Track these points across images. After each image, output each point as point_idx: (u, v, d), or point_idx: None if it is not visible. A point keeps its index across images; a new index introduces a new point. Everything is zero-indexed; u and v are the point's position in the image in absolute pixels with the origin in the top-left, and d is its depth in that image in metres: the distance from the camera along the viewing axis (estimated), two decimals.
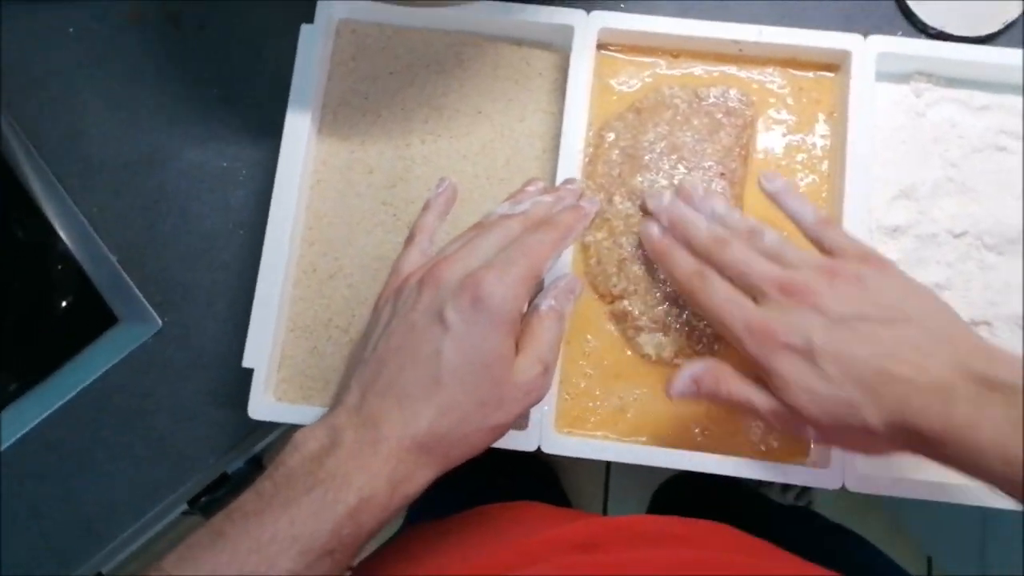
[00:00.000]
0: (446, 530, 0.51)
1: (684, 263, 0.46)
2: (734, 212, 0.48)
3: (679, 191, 0.49)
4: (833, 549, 0.66)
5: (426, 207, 0.49)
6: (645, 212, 0.50)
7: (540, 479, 0.89)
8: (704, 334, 0.50)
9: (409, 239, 0.47)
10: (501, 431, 0.41)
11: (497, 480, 0.74)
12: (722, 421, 0.51)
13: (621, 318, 0.51)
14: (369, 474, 0.37)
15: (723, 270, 0.45)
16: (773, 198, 0.48)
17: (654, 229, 0.48)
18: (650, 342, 0.50)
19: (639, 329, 0.51)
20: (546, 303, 0.44)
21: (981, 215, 0.53)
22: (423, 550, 0.49)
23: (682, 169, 0.52)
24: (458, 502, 0.55)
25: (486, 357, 0.39)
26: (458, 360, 0.39)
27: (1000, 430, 0.36)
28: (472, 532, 0.50)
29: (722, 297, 0.44)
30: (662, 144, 0.52)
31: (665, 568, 0.41)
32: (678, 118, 0.53)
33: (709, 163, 0.52)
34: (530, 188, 0.48)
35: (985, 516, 1.06)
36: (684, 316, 0.50)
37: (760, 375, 0.44)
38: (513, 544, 0.46)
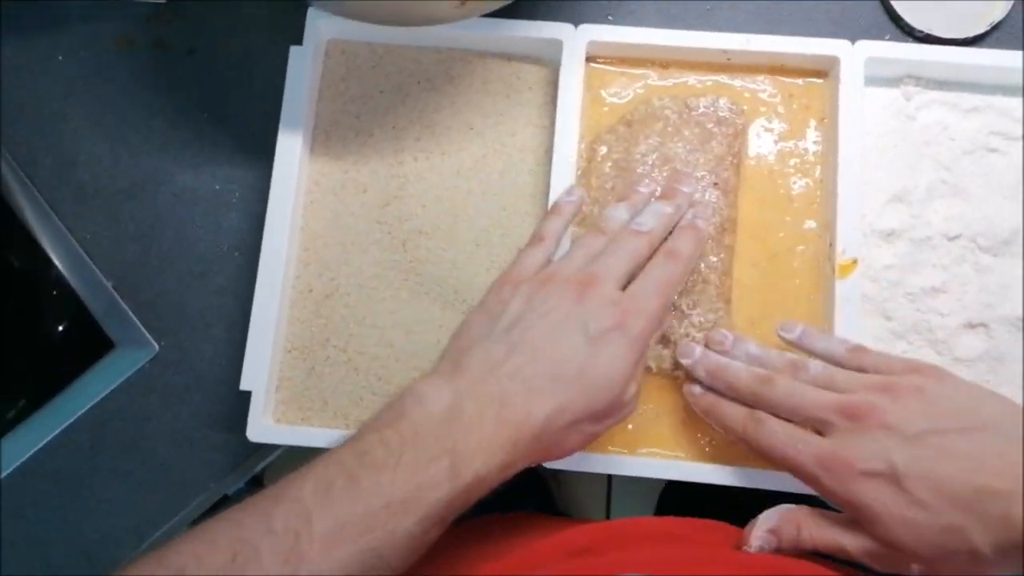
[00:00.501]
0: (445, 543, 0.51)
1: (734, 413, 0.46)
2: (770, 351, 0.47)
3: (708, 342, 0.48)
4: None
5: (554, 211, 0.49)
6: (678, 368, 0.50)
7: (532, 491, 0.89)
8: (715, 329, 0.50)
9: (535, 240, 0.48)
10: (592, 440, 0.43)
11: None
12: (717, 433, 0.51)
13: None
14: (488, 455, 0.38)
15: (776, 410, 0.44)
16: (797, 345, 0.47)
17: (696, 388, 0.48)
18: (650, 355, 0.50)
19: None
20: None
21: (974, 217, 0.53)
22: (422, 563, 0.49)
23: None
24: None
25: (614, 374, 0.42)
26: (591, 370, 0.41)
27: None
28: (471, 544, 0.50)
29: (783, 437, 0.43)
30: (654, 156, 0.52)
31: (658, 566, 0.42)
32: (669, 129, 0.53)
33: (701, 173, 0.52)
34: (643, 190, 0.49)
35: None
36: (682, 328, 0.50)
37: (847, 513, 0.42)
38: (512, 554, 0.46)
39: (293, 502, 0.36)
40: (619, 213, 0.48)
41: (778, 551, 0.43)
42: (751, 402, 0.45)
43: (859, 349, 0.45)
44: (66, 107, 0.58)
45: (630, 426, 0.51)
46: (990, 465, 0.38)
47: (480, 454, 0.38)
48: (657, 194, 0.50)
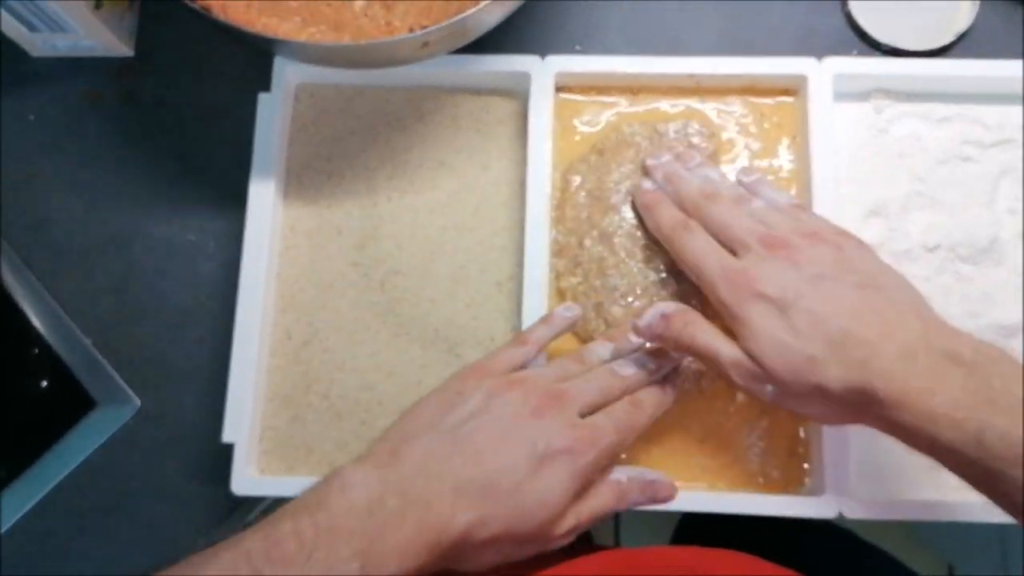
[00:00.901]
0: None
1: (671, 214, 0.48)
2: (726, 179, 0.51)
3: (678, 156, 0.51)
4: (861, 568, 0.65)
5: (546, 320, 0.48)
6: (644, 172, 0.52)
7: None
8: (691, 370, 0.50)
9: (517, 341, 0.47)
10: (507, 561, 0.42)
11: None
12: (720, 452, 0.50)
13: None
14: (403, 560, 0.37)
15: (708, 225, 0.47)
16: (749, 189, 0.50)
17: (647, 183, 0.51)
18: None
19: None
20: (616, 476, 0.45)
21: (952, 227, 0.52)
22: None
23: None
24: None
25: (549, 500, 0.41)
26: (528, 490, 0.40)
27: (954, 398, 0.37)
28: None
29: (702, 247, 0.46)
30: (627, 183, 0.52)
31: None
32: (641, 156, 0.52)
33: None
34: (633, 339, 0.48)
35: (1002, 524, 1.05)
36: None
37: (728, 325, 0.44)
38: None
39: None
40: (603, 351, 0.48)
41: (659, 338, 0.46)
42: (690, 212, 0.48)
43: (800, 207, 0.48)
44: (38, 165, 0.58)
45: (623, 455, 0.50)
46: (869, 319, 0.40)
47: (395, 558, 0.37)
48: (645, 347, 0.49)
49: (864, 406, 0.39)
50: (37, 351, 0.57)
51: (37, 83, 0.59)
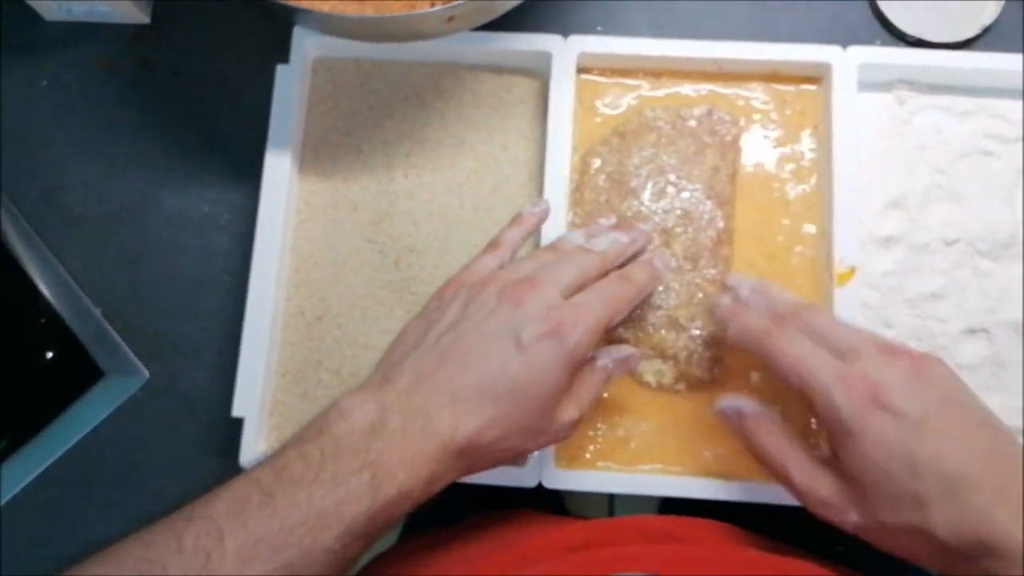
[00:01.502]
0: (446, 538, 0.51)
1: (759, 320, 0.44)
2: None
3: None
4: (843, 541, 0.66)
5: (516, 221, 0.48)
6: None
7: (543, 493, 0.89)
8: (703, 357, 0.50)
9: (490, 247, 0.47)
10: (521, 458, 0.43)
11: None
12: (731, 440, 0.50)
13: None
14: (412, 469, 0.37)
15: (810, 330, 0.42)
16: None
17: (726, 298, 0.47)
18: (649, 369, 0.50)
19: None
20: (602, 361, 0.44)
21: (972, 221, 0.52)
22: (424, 557, 0.49)
23: (670, 192, 0.51)
24: (455, 509, 0.55)
25: (546, 387, 0.40)
26: (521, 382, 0.39)
27: None
28: (471, 540, 0.50)
29: (808, 350, 0.41)
30: (648, 168, 0.51)
31: (657, 563, 0.41)
32: (662, 140, 0.52)
33: (696, 185, 0.51)
34: (603, 221, 0.48)
35: None
36: (681, 341, 0.49)
37: (831, 440, 0.40)
38: (508, 550, 0.46)
39: (205, 520, 0.35)
40: (575, 236, 0.47)
41: (731, 425, 0.44)
42: (787, 319, 0.43)
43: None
44: (51, 133, 0.57)
45: (632, 444, 0.50)
46: (987, 459, 0.37)
47: (403, 468, 0.37)
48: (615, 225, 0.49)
49: (974, 557, 0.36)
50: (44, 320, 0.56)
51: (50, 48, 0.58)
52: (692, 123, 0.53)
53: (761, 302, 0.46)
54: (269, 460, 0.37)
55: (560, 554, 0.45)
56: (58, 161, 0.57)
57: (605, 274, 0.45)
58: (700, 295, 0.50)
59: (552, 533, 0.47)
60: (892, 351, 0.40)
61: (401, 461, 0.37)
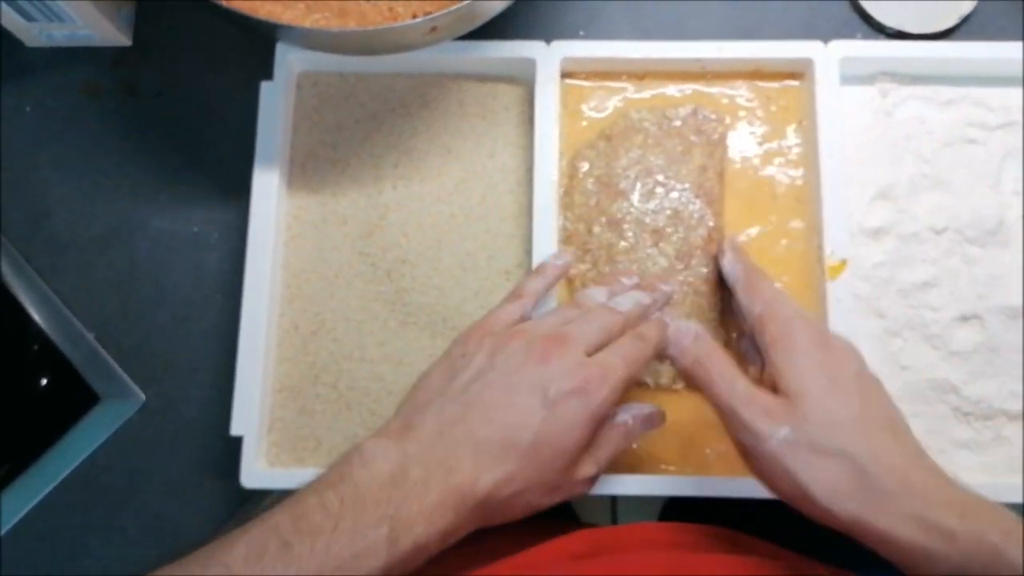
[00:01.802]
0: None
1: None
2: None
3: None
4: (836, 542, 0.66)
5: (539, 271, 0.48)
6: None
7: None
8: None
9: (513, 296, 0.47)
10: (535, 512, 0.42)
11: None
12: (716, 445, 0.50)
13: None
14: (430, 522, 0.37)
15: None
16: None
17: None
18: (646, 369, 0.50)
19: None
20: (622, 417, 0.44)
21: (959, 209, 0.52)
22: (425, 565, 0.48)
23: (659, 193, 0.51)
24: None
25: (568, 444, 0.40)
26: (544, 437, 0.40)
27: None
28: (472, 544, 0.49)
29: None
30: (636, 169, 0.52)
31: (659, 571, 0.41)
32: (649, 142, 0.52)
33: (685, 184, 0.51)
34: (625, 281, 0.48)
35: None
36: None
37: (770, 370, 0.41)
38: (513, 556, 0.46)
39: (221, 567, 0.35)
40: (598, 294, 0.47)
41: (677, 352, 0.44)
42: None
43: None
44: (35, 158, 0.57)
45: (635, 445, 0.50)
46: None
47: (421, 521, 0.37)
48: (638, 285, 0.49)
49: (861, 536, 0.38)
50: (37, 347, 0.56)
51: (34, 74, 0.58)
52: (678, 123, 0.53)
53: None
54: (288, 505, 0.37)
55: (565, 561, 0.45)
56: (44, 186, 0.57)
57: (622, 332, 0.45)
58: (692, 294, 0.50)
59: (557, 540, 0.47)
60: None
61: (420, 514, 0.37)
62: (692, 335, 0.44)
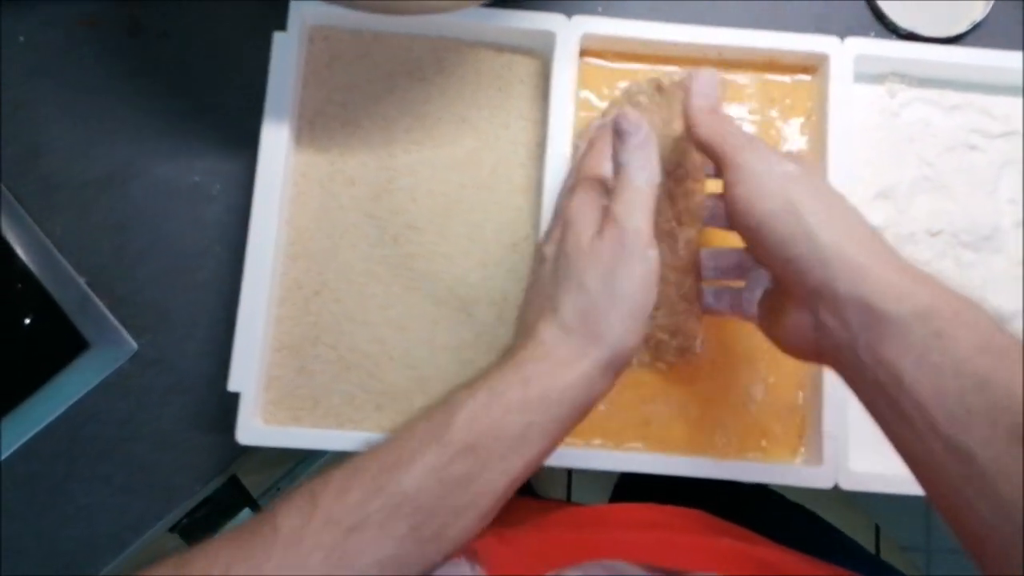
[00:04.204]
0: None
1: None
2: None
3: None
4: (796, 530, 0.68)
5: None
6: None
7: None
8: (670, 346, 0.50)
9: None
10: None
11: None
12: (704, 423, 0.52)
13: None
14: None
15: None
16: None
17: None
18: None
19: None
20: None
21: (956, 213, 0.54)
22: None
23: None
24: None
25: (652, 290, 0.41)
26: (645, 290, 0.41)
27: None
28: None
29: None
30: None
31: (642, 552, 0.42)
32: (646, 116, 0.50)
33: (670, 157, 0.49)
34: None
35: None
36: (658, 319, 0.49)
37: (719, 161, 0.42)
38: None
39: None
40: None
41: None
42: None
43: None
44: (29, 92, 0.55)
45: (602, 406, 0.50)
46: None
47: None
48: None
49: (829, 315, 0.38)
50: (21, 285, 0.54)
51: (29, 2, 0.56)
52: (667, 88, 0.50)
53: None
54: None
55: (555, 527, 0.46)
56: (35, 123, 0.55)
57: None
58: (662, 283, 0.47)
59: (542, 515, 0.48)
60: None
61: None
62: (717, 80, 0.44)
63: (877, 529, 1.30)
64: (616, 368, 0.40)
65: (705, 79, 0.44)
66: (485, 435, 0.37)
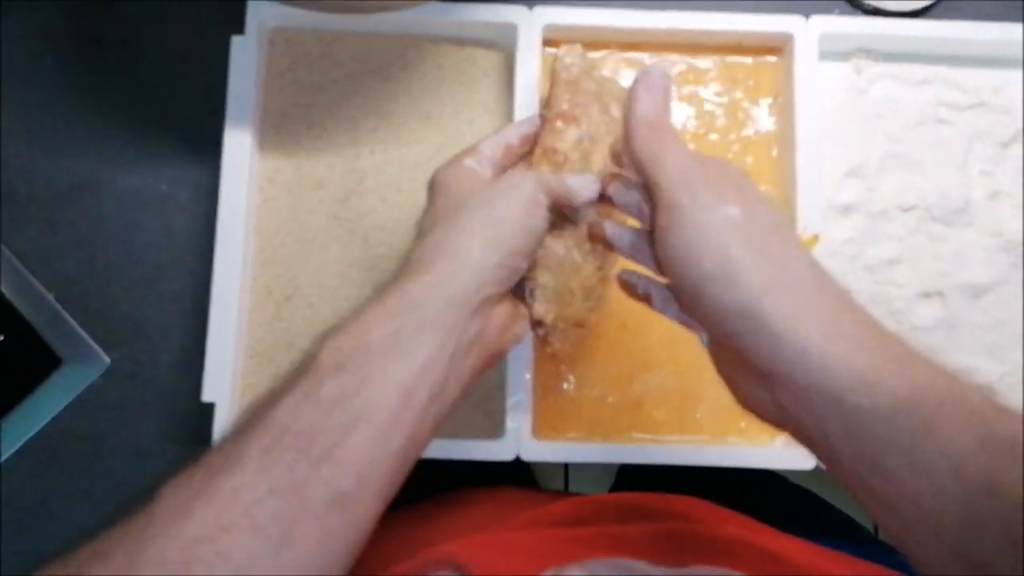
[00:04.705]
0: (428, 513, 0.51)
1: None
2: None
3: None
4: (796, 512, 0.68)
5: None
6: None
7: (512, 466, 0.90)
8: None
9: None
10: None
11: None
12: (678, 407, 0.52)
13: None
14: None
15: None
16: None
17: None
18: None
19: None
20: None
21: (927, 188, 0.54)
22: (408, 531, 0.49)
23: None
24: (430, 487, 0.55)
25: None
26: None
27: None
28: (456, 515, 0.50)
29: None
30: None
31: (663, 539, 0.42)
32: (578, 98, 0.44)
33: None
34: None
35: None
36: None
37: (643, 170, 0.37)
38: (500, 526, 0.46)
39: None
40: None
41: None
42: None
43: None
44: None
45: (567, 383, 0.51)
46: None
47: None
48: None
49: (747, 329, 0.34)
50: None
51: None
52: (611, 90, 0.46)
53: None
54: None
55: (548, 527, 0.46)
56: None
57: None
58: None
59: (539, 508, 0.48)
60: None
61: None
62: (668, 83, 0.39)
63: None
64: (477, 281, 0.38)
65: (653, 81, 0.38)
66: (353, 352, 0.36)
